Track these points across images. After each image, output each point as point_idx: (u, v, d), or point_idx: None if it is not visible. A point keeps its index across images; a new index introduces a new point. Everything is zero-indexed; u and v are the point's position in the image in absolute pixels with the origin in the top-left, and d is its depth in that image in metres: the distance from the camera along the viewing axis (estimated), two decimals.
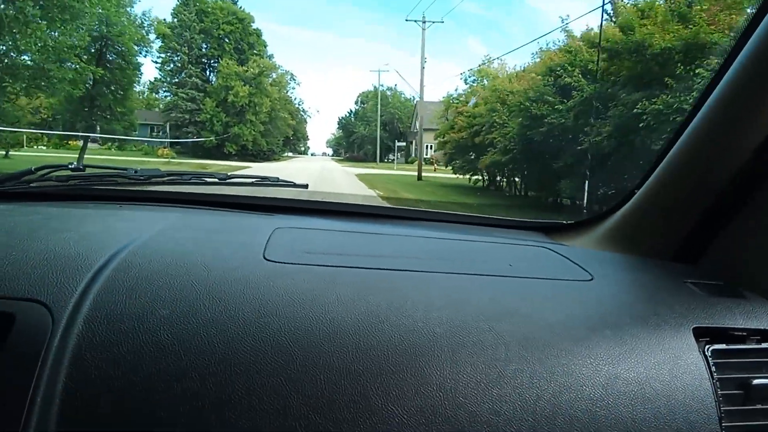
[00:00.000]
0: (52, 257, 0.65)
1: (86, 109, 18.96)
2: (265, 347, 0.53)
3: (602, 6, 9.62)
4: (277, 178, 1.25)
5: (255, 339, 0.54)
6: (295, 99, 46.36)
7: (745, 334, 0.68)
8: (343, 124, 52.47)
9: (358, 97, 52.53)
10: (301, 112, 50.29)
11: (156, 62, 31.49)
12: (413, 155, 35.87)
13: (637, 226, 0.95)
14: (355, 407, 0.51)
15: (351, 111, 51.49)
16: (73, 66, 15.27)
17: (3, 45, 13.26)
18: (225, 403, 0.49)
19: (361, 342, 0.56)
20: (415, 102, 41.00)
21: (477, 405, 0.53)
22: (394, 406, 0.51)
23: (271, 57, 36.24)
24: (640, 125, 7.22)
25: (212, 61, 33.20)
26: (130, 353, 0.51)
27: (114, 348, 0.52)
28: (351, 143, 51.23)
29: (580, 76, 9.14)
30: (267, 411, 0.49)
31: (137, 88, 25.42)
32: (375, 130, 44.06)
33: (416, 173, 20.31)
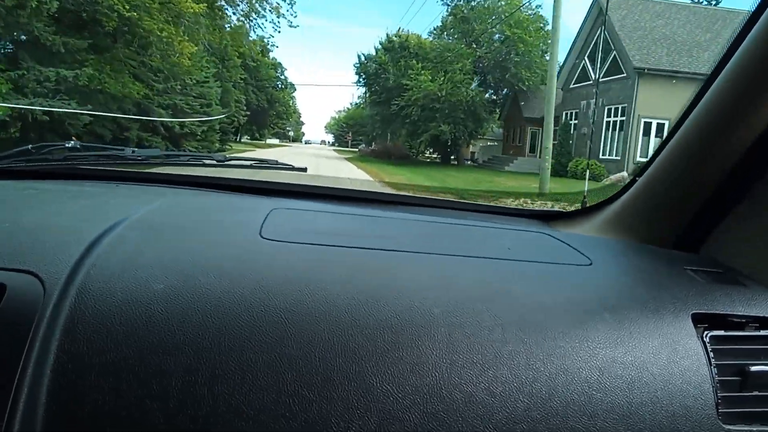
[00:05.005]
0: (45, 229, 0.67)
1: None
2: (260, 323, 0.55)
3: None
4: (276, 160, 1.33)
5: (250, 315, 0.56)
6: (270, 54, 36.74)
7: (744, 320, 0.70)
8: (368, 69, 28.19)
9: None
10: (280, 77, 40.14)
11: None
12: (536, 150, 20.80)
13: (637, 214, 1.00)
14: (350, 385, 0.53)
15: (381, 43, 28.09)
16: None
17: None
18: (218, 378, 0.51)
19: (357, 320, 0.58)
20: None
21: (472, 385, 0.55)
22: (389, 384, 0.53)
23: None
24: None
25: None
26: (123, 326, 0.53)
27: (106, 321, 0.53)
28: (381, 119, 28.90)
29: None
30: (260, 387, 0.51)
31: None
32: (459, 76, 22.95)
33: None
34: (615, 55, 18.38)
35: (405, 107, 24.10)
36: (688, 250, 0.93)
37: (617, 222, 1.02)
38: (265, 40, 42.39)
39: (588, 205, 1.16)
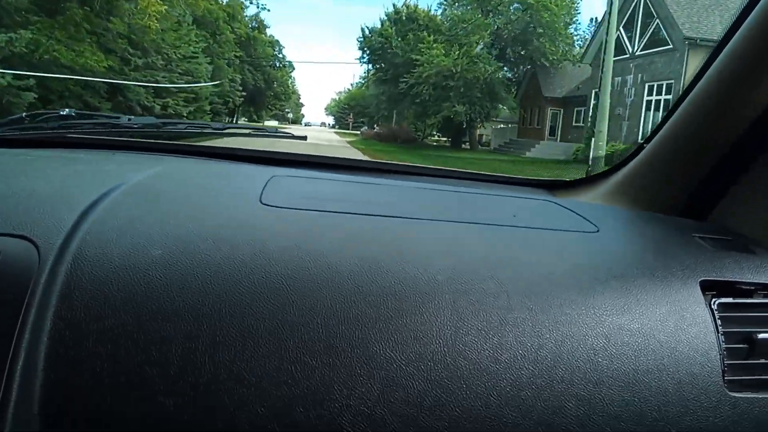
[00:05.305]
0: (39, 194, 0.66)
1: None
2: (261, 289, 0.54)
3: None
4: (276, 128, 1.35)
5: (251, 281, 0.55)
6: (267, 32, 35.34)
7: (752, 288, 0.70)
8: (373, 43, 26.29)
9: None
10: (277, 56, 38.13)
11: None
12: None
13: (645, 181, 0.99)
14: (353, 352, 0.52)
15: (387, 14, 26.39)
16: None
17: None
18: (219, 344, 0.50)
19: (360, 287, 0.57)
20: None
21: (477, 352, 0.55)
22: (393, 351, 0.53)
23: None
24: None
25: None
26: (121, 293, 0.52)
27: (103, 287, 0.52)
28: (387, 99, 26.94)
29: None
30: (262, 354, 0.50)
31: None
32: (476, 49, 20.93)
33: None
34: (658, 23, 16.10)
35: (414, 85, 21.85)
36: (696, 217, 0.92)
37: (624, 190, 1.02)
38: (260, 14, 40.41)
39: (593, 173, 1.17)
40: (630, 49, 17.56)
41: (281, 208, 0.71)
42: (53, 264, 0.53)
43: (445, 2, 24.65)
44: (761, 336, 0.64)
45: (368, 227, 0.70)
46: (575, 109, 23.38)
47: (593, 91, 20.29)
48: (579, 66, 23.69)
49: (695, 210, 0.92)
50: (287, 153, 1.16)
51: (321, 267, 0.58)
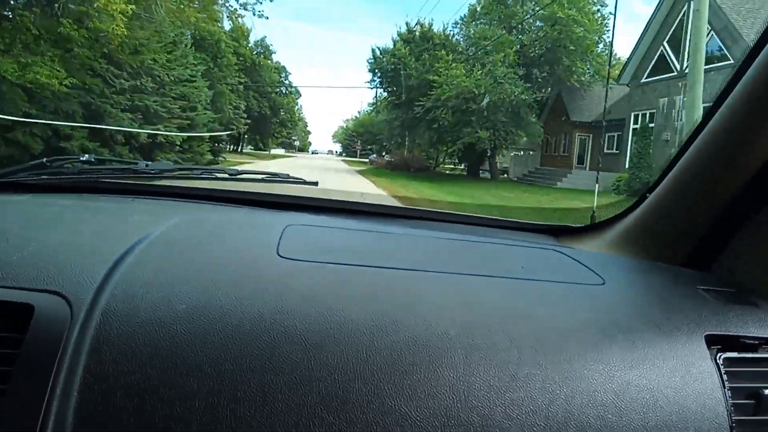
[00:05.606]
0: (69, 249, 0.69)
1: None
2: (280, 344, 0.56)
3: None
4: (287, 174, 1.36)
5: (270, 336, 0.57)
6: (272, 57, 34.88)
7: (757, 342, 0.70)
8: (384, 65, 23.91)
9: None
10: (284, 82, 37.41)
11: None
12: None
13: (648, 231, 0.99)
14: (369, 407, 0.53)
15: (399, 34, 23.99)
16: None
17: None
18: (240, 399, 0.52)
19: (375, 341, 0.58)
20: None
21: (490, 408, 0.55)
22: (407, 407, 0.54)
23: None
24: None
25: None
26: (147, 347, 0.54)
27: (131, 342, 0.54)
28: (401, 125, 23.96)
29: None
30: (281, 409, 0.52)
31: None
32: (500, 69, 18.75)
33: None
34: (713, 36, 14.05)
35: (432, 109, 19.73)
36: (699, 268, 0.92)
37: (628, 238, 1.02)
38: (265, 39, 39.16)
39: (599, 220, 1.15)
40: (678, 67, 15.56)
41: (298, 261, 0.74)
42: (84, 319, 0.55)
43: (462, 20, 22.86)
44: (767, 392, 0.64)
45: (382, 281, 0.72)
46: (606, 135, 21.35)
47: (632, 114, 18.29)
48: (610, 87, 21.78)
49: (698, 260, 0.92)
50: (299, 197, 1.19)
51: (337, 323, 0.59)
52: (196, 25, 23.53)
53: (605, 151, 21.42)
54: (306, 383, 0.53)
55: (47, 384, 0.50)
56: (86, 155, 1.19)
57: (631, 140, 17.09)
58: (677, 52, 15.81)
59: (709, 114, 0.82)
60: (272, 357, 0.54)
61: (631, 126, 17.66)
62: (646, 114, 16.91)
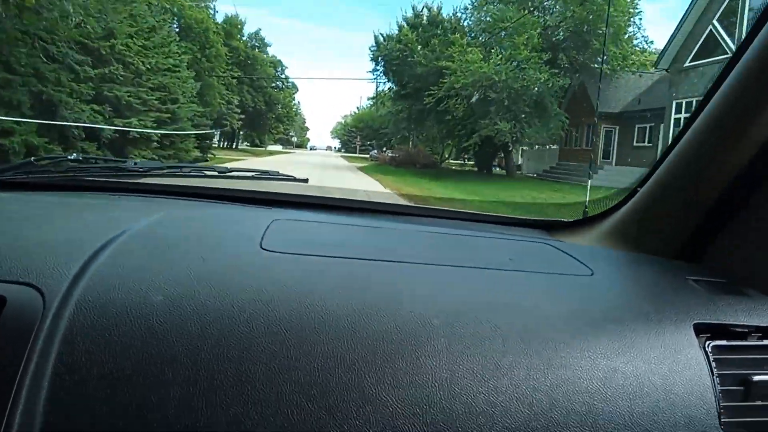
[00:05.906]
0: (45, 242, 0.68)
1: None
2: (258, 334, 0.56)
3: None
4: (278, 171, 1.35)
5: (249, 326, 0.57)
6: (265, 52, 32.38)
7: (746, 330, 0.71)
8: (389, 52, 21.56)
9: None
10: (279, 76, 35.41)
11: None
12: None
13: (639, 224, 1.00)
14: (349, 396, 0.53)
15: (405, 18, 22.22)
16: None
17: None
18: (216, 388, 0.52)
19: (356, 331, 0.58)
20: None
21: (473, 396, 0.56)
22: (389, 395, 0.54)
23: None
24: None
25: None
26: (122, 338, 0.54)
27: (105, 332, 0.54)
28: (408, 117, 22.05)
29: None
30: (259, 398, 0.52)
31: None
32: (524, 53, 16.68)
33: None
34: None
35: (443, 99, 17.52)
36: (689, 259, 0.93)
37: (619, 232, 1.02)
38: (260, 32, 37.08)
39: (589, 215, 1.14)
40: (732, 47, 13.48)
41: (281, 253, 0.73)
42: (57, 310, 0.55)
43: (473, 4, 20.58)
44: (756, 378, 0.64)
45: (365, 272, 0.72)
46: (637, 126, 19.24)
47: (674, 102, 16.16)
48: (640, 75, 19.58)
49: (688, 252, 0.92)
50: (288, 194, 1.17)
51: (318, 312, 0.59)
52: (181, 12, 21.47)
53: (635, 144, 19.38)
54: (285, 372, 0.53)
55: (16, 373, 0.49)
56: (75, 154, 1.20)
57: (673, 132, 15.04)
58: (728, 30, 13.72)
59: (699, 107, 0.83)
60: (250, 346, 0.54)
61: (673, 116, 15.57)
62: (691, 102, 14.80)
